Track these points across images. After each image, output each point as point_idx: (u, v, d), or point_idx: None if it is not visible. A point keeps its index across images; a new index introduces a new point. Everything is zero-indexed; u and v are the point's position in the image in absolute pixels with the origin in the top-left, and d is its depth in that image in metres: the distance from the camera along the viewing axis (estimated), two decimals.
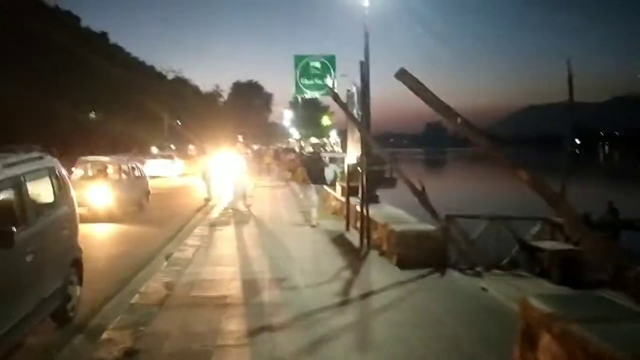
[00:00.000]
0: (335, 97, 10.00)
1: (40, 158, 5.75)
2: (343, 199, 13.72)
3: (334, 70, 11.60)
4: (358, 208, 11.16)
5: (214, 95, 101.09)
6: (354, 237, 10.49)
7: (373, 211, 9.89)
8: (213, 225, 12.64)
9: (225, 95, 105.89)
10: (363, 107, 9.54)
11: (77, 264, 6.18)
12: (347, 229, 11.49)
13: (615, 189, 31.46)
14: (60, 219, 5.88)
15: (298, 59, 11.84)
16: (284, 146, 69.41)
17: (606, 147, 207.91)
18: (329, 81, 11.29)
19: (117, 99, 47.02)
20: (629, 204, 19.80)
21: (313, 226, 12.37)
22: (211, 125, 78.89)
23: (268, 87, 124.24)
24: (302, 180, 27.16)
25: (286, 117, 79.20)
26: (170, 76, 68.91)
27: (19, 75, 32.23)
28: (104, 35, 59.01)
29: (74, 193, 6.51)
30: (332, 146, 67.32)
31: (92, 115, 48.25)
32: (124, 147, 44.57)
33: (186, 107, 69.04)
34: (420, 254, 8.06)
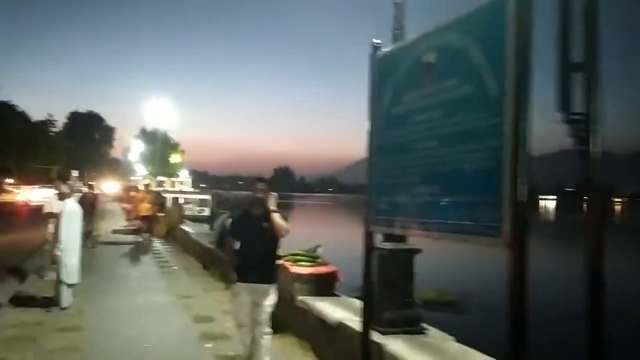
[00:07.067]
0: None
1: None
2: None
3: None
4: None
5: (46, 124, 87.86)
6: None
7: None
8: None
9: (59, 126, 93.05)
10: None
11: None
12: None
13: None
14: None
15: None
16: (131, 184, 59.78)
17: None
18: None
19: None
20: None
21: None
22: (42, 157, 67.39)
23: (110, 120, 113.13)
24: (166, 231, 18.72)
25: (134, 150, 69.20)
26: None
27: None
28: None
29: None
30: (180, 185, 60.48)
31: None
32: None
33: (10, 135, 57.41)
34: None
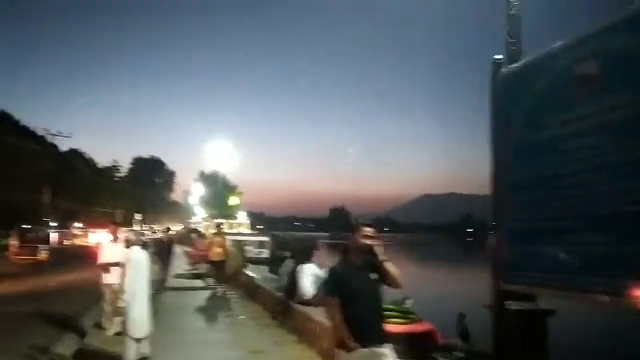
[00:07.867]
0: None
1: None
2: None
3: None
4: None
5: (111, 169, 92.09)
6: None
7: None
8: None
9: (123, 171, 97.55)
10: None
11: None
12: None
13: None
14: None
15: None
16: (191, 227, 60.73)
17: None
18: None
19: None
20: None
21: None
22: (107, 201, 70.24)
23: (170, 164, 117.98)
24: (232, 274, 17.75)
25: (194, 193, 70.88)
26: (63, 146, 59.74)
27: None
28: None
29: None
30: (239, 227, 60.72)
31: None
32: None
33: (78, 181, 60.40)
34: None
